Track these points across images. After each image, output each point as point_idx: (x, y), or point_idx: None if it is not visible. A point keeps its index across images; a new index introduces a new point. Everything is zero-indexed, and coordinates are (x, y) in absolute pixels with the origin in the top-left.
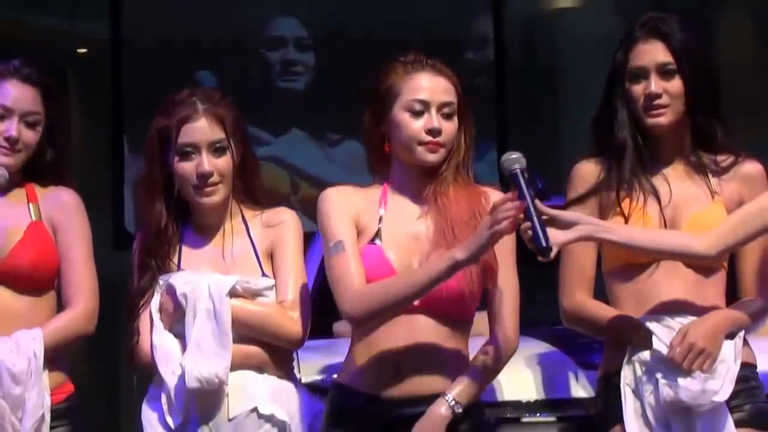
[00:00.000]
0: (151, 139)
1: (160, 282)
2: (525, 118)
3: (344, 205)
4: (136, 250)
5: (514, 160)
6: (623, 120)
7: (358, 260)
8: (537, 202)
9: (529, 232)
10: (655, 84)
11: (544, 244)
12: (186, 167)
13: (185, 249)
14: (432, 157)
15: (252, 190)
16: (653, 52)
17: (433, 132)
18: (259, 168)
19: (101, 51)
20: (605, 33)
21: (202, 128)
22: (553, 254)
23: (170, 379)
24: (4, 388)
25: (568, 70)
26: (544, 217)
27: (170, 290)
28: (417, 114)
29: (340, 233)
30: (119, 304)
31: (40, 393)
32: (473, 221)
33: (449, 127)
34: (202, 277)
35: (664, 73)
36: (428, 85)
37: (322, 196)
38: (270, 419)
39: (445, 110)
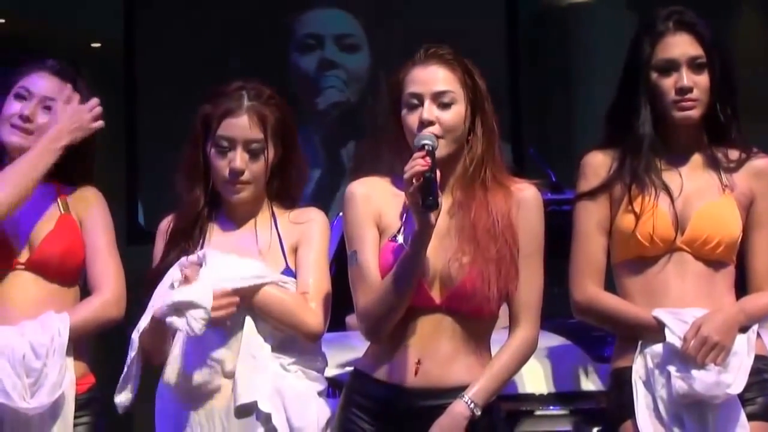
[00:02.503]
0: (195, 126)
1: (183, 260)
2: (538, 113)
3: (367, 204)
4: (166, 229)
5: (428, 137)
6: (646, 116)
7: (373, 268)
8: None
9: (422, 180)
10: (687, 77)
11: (431, 198)
12: (220, 160)
13: (214, 236)
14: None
15: (288, 191)
16: (683, 45)
17: (424, 123)
18: (304, 173)
19: (115, 46)
20: (618, 28)
21: (241, 125)
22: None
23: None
24: (25, 362)
25: (581, 66)
26: None
27: (201, 262)
28: (412, 108)
29: (356, 241)
30: (131, 298)
31: (62, 372)
32: (498, 223)
33: (447, 117)
34: (239, 259)
35: (696, 66)
36: (421, 77)
37: (346, 192)
38: (267, 421)
39: (442, 99)
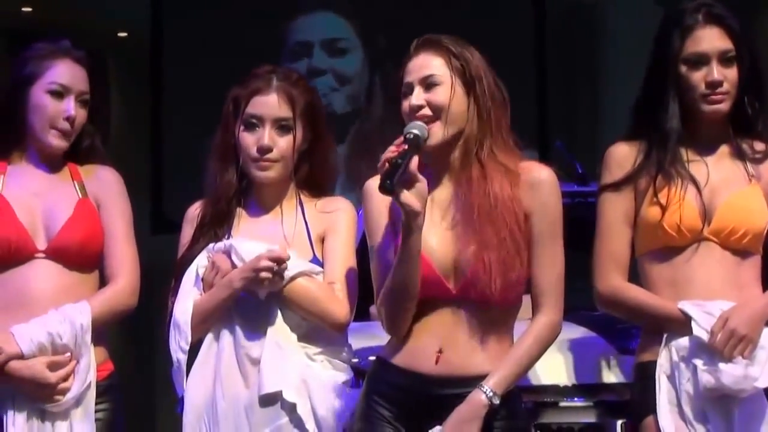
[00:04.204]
0: (226, 108)
1: (210, 247)
2: (564, 106)
3: (383, 199)
4: (194, 216)
5: (415, 126)
6: (675, 110)
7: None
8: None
9: (387, 165)
10: (717, 71)
11: (389, 181)
12: (248, 138)
13: (242, 221)
14: (432, 136)
15: (316, 178)
16: (713, 39)
17: (414, 109)
18: (332, 159)
19: (141, 35)
20: (645, 22)
21: (270, 103)
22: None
23: (174, 353)
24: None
25: (608, 59)
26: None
27: (229, 252)
28: (405, 97)
29: (374, 236)
30: (156, 287)
31: (86, 365)
32: (496, 206)
33: (433, 97)
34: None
35: (725, 60)
36: (411, 67)
37: (364, 188)
38: (291, 411)
39: (428, 82)
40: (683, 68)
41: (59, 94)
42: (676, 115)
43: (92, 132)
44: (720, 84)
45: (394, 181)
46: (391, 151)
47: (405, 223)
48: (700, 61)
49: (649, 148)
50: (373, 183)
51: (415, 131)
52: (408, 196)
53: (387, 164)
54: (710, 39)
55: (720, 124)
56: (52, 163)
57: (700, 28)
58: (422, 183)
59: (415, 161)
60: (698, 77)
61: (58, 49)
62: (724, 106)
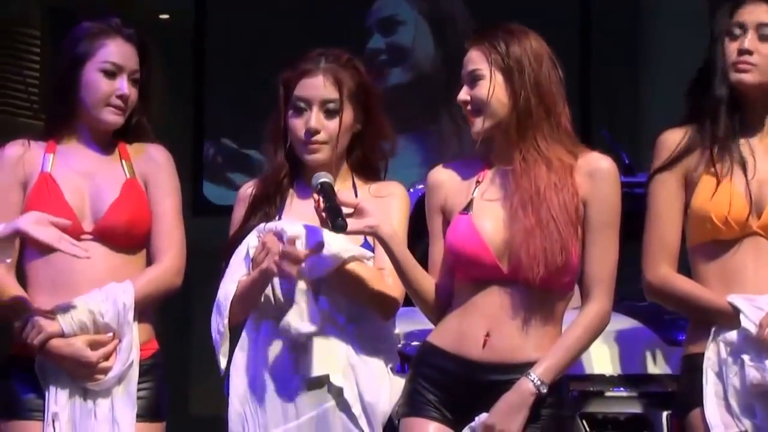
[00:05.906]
0: (278, 91)
1: (261, 227)
2: (608, 95)
3: (436, 193)
4: (246, 196)
5: (317, 177)
6: (721, 78)
7: (432, 255)
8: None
9: (325, 214)
10: (749, 41)
11: (339, 219)
12: (296, 121)
13: (294, 203)
14: (472, 127)
15: (369, 161)
16: (756, 12)
17: (460, 104)
18: (389, 144)
19: (183, 17)
20: (688, 12)
21: (317, 85)
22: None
23: (214, 334)
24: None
25: (652, 50)
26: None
27: (279, 233)
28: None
29: (428, 230)
30: (195, 269)
31: (129, 344)
32: (538, 195)
33: (475, 92)
34: (318, 231)
35: (764, 34)
36: (464, 62)
37: (426, 180)
38: (338, 395)
39: (472, 77)
40: (726, 40)
41: (112, 73)
42: (723, 82)
43: (140, 110)
44: (749, 53)
45: (343, 218)
46: (317, 206)
47: (381, 243)
48: (739, 31)
49: (702, 125)
50: (430, 176)
51: (322, 180)
52: (357, 224)
53: (324, 214)
54: (753, 12)
55: (765, 110)
56: (101, 142)
57: (749, 4)
58: (359, 203)
59: (339, 197)
60: (733, 46)
61: (109, 28)
62: (748, 77)
